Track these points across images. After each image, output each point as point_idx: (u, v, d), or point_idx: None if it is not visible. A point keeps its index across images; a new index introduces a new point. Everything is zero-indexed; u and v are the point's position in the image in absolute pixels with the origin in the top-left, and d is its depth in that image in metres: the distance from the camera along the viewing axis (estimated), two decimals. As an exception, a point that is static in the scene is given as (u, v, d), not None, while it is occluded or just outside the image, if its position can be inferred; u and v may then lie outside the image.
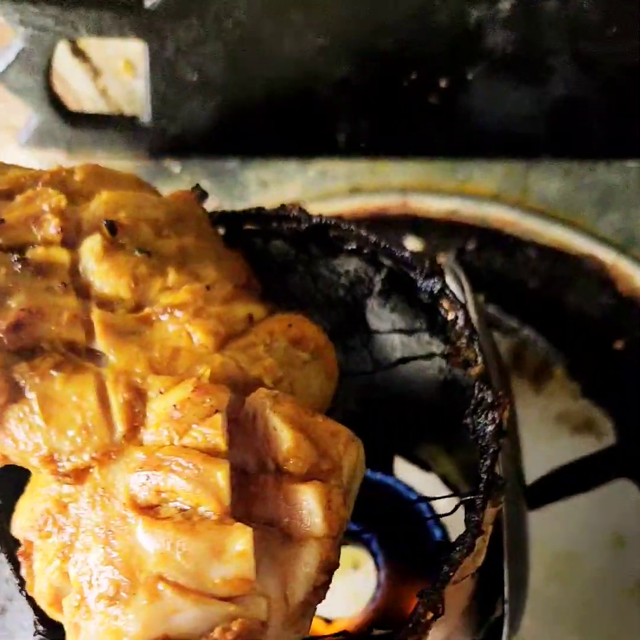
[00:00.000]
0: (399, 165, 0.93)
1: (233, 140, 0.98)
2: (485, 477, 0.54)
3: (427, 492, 0.79)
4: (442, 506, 0.79)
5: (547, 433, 1.15)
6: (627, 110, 0.88)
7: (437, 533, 0.77)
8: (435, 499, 0.69)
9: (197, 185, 0.64)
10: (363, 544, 0.82)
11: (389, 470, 0.83)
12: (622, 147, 0.91)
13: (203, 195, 0.64)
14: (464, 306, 0.58)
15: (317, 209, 0.91)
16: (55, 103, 0.93)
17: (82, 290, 0.57)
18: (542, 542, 1.13)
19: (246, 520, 0.50)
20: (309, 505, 0.51)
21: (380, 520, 0.80)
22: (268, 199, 0.95)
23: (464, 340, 0.58)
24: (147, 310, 0.56)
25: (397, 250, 0.60)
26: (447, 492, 0.82)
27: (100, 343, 0.55)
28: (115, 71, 0.97)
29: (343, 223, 0.61)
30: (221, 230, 0.65)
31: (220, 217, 0.64)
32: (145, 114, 0.95)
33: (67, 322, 0.55)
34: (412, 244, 0.88)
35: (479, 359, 0.57)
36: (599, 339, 0.82)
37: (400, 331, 0.63)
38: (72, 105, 0.97)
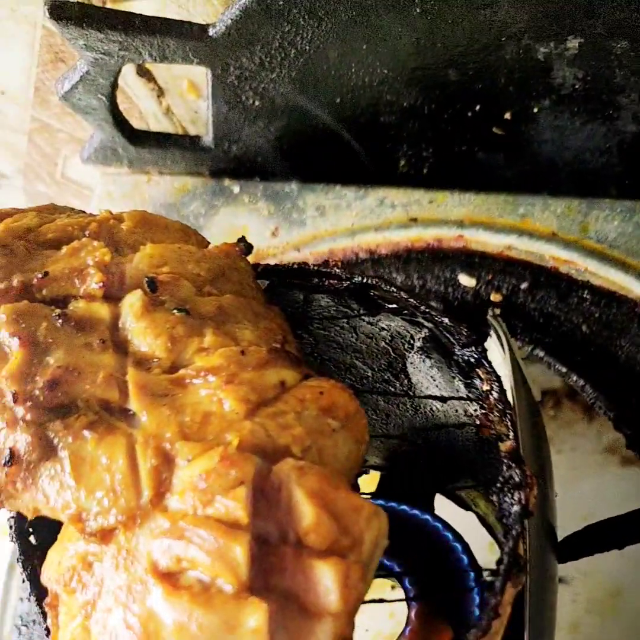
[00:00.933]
0: (458, 197, 0.92)
1: (293, 164, 0.98)
2: (506, 558, 0.53)
3: (463, 531, 0.79)
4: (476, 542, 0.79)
5: (598, 463, 1.14)
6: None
7: (474, 585, 0.77)
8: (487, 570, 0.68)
9: (243, 237, 0.64)
10: (396, 579, 0.83)
11: (428, 506, 0.83)
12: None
13: (248, 248, 0.64)
14: (499, 379, 0.58)
15: (373, 238, 0.92)
16: (119, 122, 0.94)
17: (121, 346, 0.58)
18: (586, 574, 1.13)
19: (264, 590, 0.51)
20: (327, 582, 0.51)
21: (415, 557, 0.80)
22: (325, 225, 0.95)
23: (497, 414, 0.57)
24: (181, 371, 0.57)
25: (436, 314, 0.60)
26: (484, 532, 0.82)
27: (134, 403, 0.56)
28: (180, 91, 0.98)
29: (384, 284, 0.61)
30: (263, 283, 0.65)
31: (264, 271, 0.64)
32: (207, 135, 0.96)
33: (102, 382, 0.56)
34: (465, 280, 0.87)
35: (511, 434, 0.56)
36: (652, 389, 0.80)
37: (433, 397, 0.62)
38: (137, 122, 0.98)
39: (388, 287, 0.61)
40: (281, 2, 0.79)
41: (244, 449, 0.53)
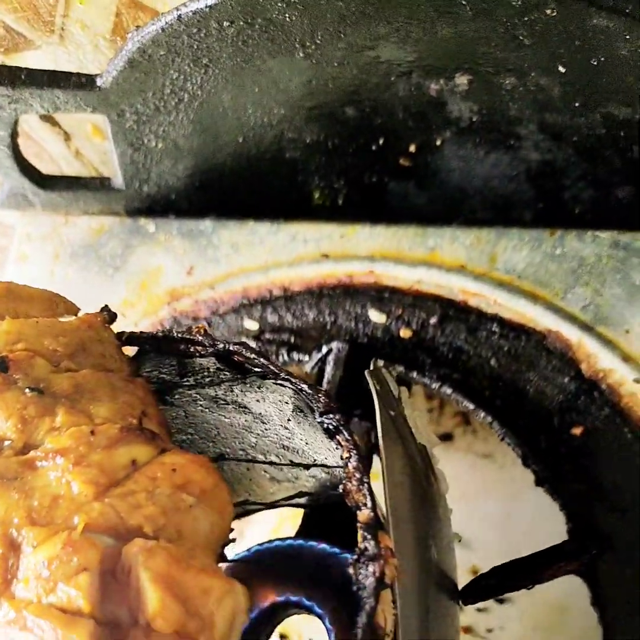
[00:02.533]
0: (369, 231, 0.91)
1: (207, 201, 0.97)
2: (361, 633, 0.53)
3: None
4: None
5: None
6: (599, 180, 0.84)
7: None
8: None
9: (106, 306, 0.64)
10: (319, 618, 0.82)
11: (350, 544, 0.82)
12: (597, 215, 0.87)
13: (111, 317, 0.63)
14: (357, 447, 0.57)
15: (287, 274, 0.91)
16: (25, 169, 0.94)
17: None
18: (532, 592, 1.12)
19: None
20: (175, 669, 0.50)
21: (333, 595, 0.79)
22: (239, 261, 0.95)
23: (354, 483, 0.57)
24: (31, 453, 0.57)
25: (296, 381, 0.59)
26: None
27: (-17, 488, 0.56)
28: (85, 134, 0.97)
29: (246, 350, 0.61)
30: (133, 349, 0.65)
31: (129, 339, 0.63)
32: (117, 176, 0.95)
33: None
34: (375, 315, 0.87)
35: (369, 504, 0.56)
36: (557, 424, 0.80)
37: (295, 465, 0.62)
38: (49, 166, 0.98)
39: (248, 353, 0.60)
40: (162, 52, 0.78)
41: (94, 532, 0.53)
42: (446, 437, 1.23)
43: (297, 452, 0.70)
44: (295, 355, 0.90)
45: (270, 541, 0.78)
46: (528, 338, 0.83)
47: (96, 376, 0.60)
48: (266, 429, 0.71)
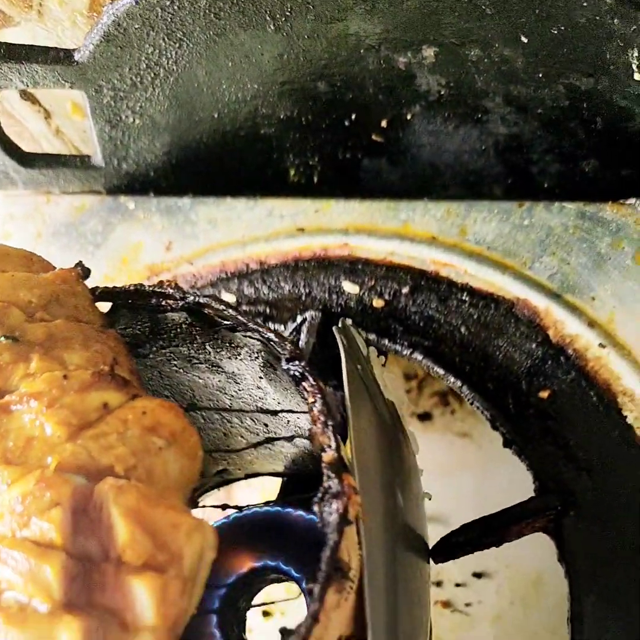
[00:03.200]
0: (343, 205, 0.93)
1: (184, 178, 0.99)
2: (324, 566, 0.55)
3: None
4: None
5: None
6: (565, 153, 0.87)
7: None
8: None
9: (80, 262, 0.66)
10: (296, 583, 0.84)
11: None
12: (564, 188, 0.89)
13: (86, 272, 0.65)
14: (322, 391, 0.59)
15: (263, 248, 0.93)
16: (6, 146, 0.96)
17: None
18: (509, 566, 1.14)
19: (87, 607, 0.52)
20: (142, 598, 0.52)
21: (310, 560, 0.81)
22: (217, 237, 0.97)
23: (319, 426, 0.58)
24: (6, 397, 0.59)
25: (263, 331, 0.61)
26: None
27: (-41, 431, 0.58)
28: (65, 113, 0.99)
29: (215, 302, 0.63)
30: (107, 305, 0.67)
31: (102, 294, 0.65)
32: (96, 154, 0.97)
33: None
34: (349, 286, 0.89)
35: (333, 445, 0.58)
36: (525, 388, 0.82)
37: (264, 411, 0.64)
38: (30, 144, 1.00)
39: (218, 304, 0.62)
40: (137, 26, 0.80)
41: (66, 471, 0.55)
42: (425, 417, 1.25)
43: (271, 414, 0.72)
44: (271, 326, 0.92)
45: (248, 507, 0.79)
46: (497, 306, 0.85)
47: (69, 326, 0.61)
48: (240, 390, 0.73)
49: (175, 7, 0.78)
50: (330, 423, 0.58)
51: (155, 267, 0.98)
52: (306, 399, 0.60)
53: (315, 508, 0.57)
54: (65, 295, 0.63)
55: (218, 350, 0.68)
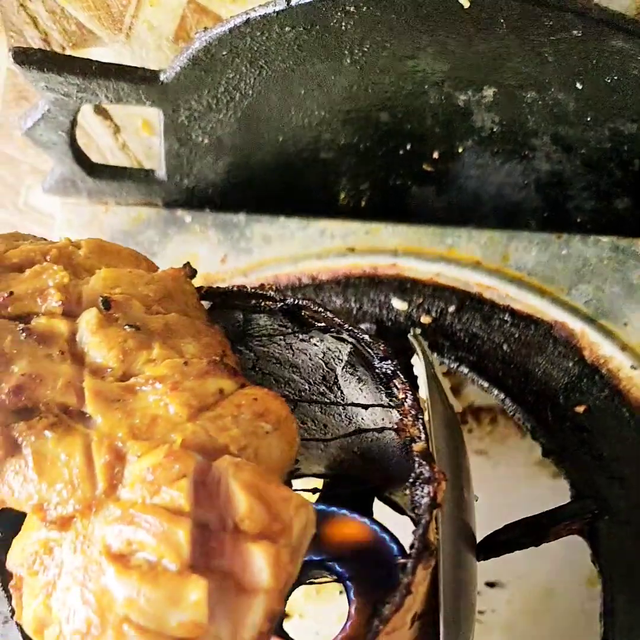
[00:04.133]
0: (392, 228, 1.00)
1: (241, 196, 1.06)
2: (417, 543, 0.61)
3: (399, 533, 0.86)
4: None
5: (529, 475, 1.23)
6: (601, 191, 0.95)
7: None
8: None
9: (188, 263, 0.72)
10: (339, 579, 0.90)
11: (367, 510, 0.90)
12: (597, 223, 0.97)
13: (193, 272, 0.71)
14: (412, 388, 0.66)
15: (315, 265, 1.00)
16: (78, 156, 1.02)
17: (78, 357, 0.66)
18: (520, 577, 1.21)
19: (206, 571, 0.58)
20: (260, 563, 0.58)
21: (354, 557, 0.87)
22: (270, 252, 1.03)
23: (410, 419, 0.65)
24: (132, 380, 0.65)
25: (358, 332, 0.68)
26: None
27: (89, 407, 0.63)
28: (134, 129, 1.05)
29: (313, 304, 0.69)
30: (207, 304, 0.73)
31: (207, 293, 0.72)
32: (160, 169, 1.03)
33: (62, 388, 0.63)
34: (398, 303, 0.95)
35: (422, 436, 0.64)
36: (562, 402, 0.89)
37: (357, 405, 0.70)
38: (95, 156, 1.06)
39: (316, 307, 0.69)
40: (224, 53, 0.87)
41: (187, 448, 0.61)
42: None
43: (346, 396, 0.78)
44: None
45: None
46: (536, 327, 0.93)
47: (182, 319, 0.68)
48: (322, 376, 0.79)
49: (264, 38, 0.85)
50: (420, 417, 0.65)
51: (210, 277, 1.05)
52: (396, 395, 0.67)
53: (407, 491, 0.63)
54: (175, 292, 0.69)
55: (303, 348, 0.74)
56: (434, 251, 0.99)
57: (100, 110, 1.03)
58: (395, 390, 0.66)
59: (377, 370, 0.68)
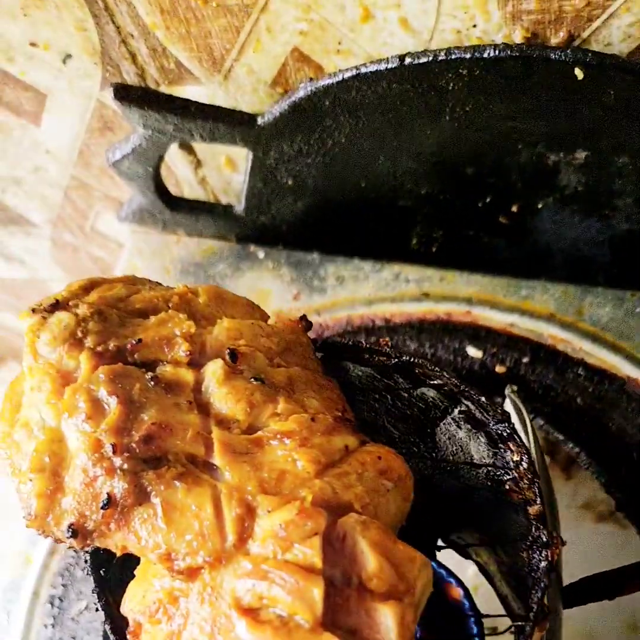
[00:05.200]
0: (467, 277, 1.02)
1: (316, 236, 1.08)
2: (535, 607, 0.63)
3: (463, 577, 0.88)
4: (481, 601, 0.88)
5: (574, 517, 1.25)
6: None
7: (475, 629, 0.85)
8: (488, 616, 0.76)
9: (304, 315, 0.73)
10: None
11: (431, 553, 0.91)
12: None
13: (308, 325, 0.73)
14: (528, 451, 0.67)
15: (388, 308, 1.01)
16: (160, 189, 1.03)
17: (203, 407, 0.67)
18: (565, 620, 1.22)
19: (331, 626, 0.59)
20: (387, 622, 0.60)
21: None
22: (343, 293, 1.05)
23: (526, 482, 0.67)
24: (259, 433, 0.66)
25: (474, 393, 0.69)
26: (485, 580, 0.91)
27: (218, 459, 0.64)
28: (216, 165, 1.07)
29: (429, 364, 0.71)
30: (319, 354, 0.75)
31: (322, 345, 0.73)
32: (239, 205, 1.05)
33: (191, 439, 0.64)
34: (473, 351, 0.97)
35: (538, 500, 0.66)
36: (637, 458, 0.91)
37: (468, 464, 0.72)
38: (173, 188, 1.07)
39: (432, 367, 0.70)
40: (327, 102, 0.89)
41: (315, 504, 0.62)
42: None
43: (438, 448, 0.80)
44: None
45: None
46: (610, 382, 0.95)
47: (305, 373, 0.69)
48: (416, 427, 0.80)
49: (370, 92, 0.86)
50: (536, 480, 0.66)
51: (282, 314, 1.06)
52: (510, 457, 0.68)
53: (523, 554, 0.65)
54: (294, 345, 0.71)
55: (406, 403, 0.76)
56: (508, 301, 1.01)
57: (184, 145, 1.05)
58: (509, 452, 0.68)
59: (489, 431, 0.69)
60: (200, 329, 0.70)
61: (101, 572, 0.71)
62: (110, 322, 0.69)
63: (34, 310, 0.68)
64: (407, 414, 0.79)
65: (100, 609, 0.67)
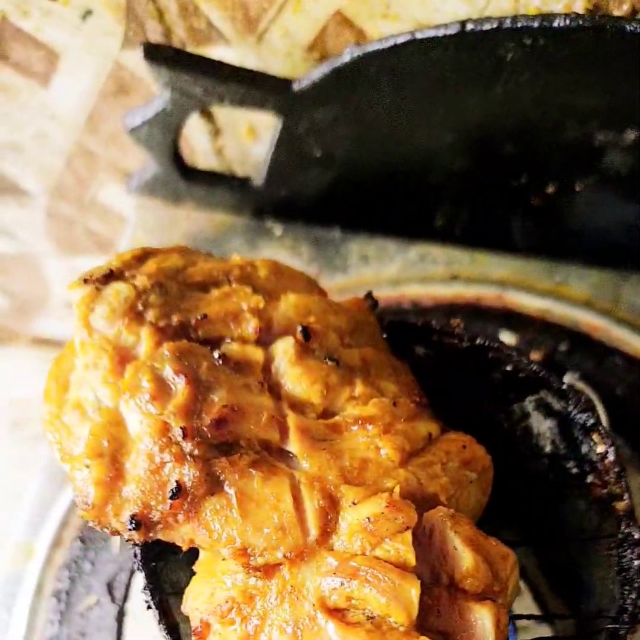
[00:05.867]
0: (498, 258, 0.98)
1: (338, 211, 1.03)
2: (630, 608, 0.59)
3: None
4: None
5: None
6: None
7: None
8: (522, 616, 0.72)
9: (370, 292, 0.68)
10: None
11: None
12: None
13: (375, 303, 0.68)
14: (614, 443, 0.63)
15: (416, 291, 0.97)
16: (177, 159, 0.97)
17: (273, 389, 0.61)
18: None
19: (422, 629, 0.55)
20: (485, 625, 0.55)
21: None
22: (368, 272, 1.00)
23: (612, 476, 0.63)
24: (337, 418, 0.61)
25: (554, 381, 0.65)
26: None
27: (294, 446, 0.59)
28: (237, 134, 1.01)
29: (505, 347, 0.66)
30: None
31: (389, 325, 0.68)
32: (259, 177, 0.99)
33: (265, 423, 0.59)
34: (507, 337, 0.93)
35: (626, 494, 0.62)
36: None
37: (548, 456, 0.68)
38: (187, 158, 1.00)
39: (509, 351, 0.66)
40: (373, 69, 0.83)
41: (402, 496, 0.57)
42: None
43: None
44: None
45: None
46: (650, 372, 0.92)
47: (377, 354, 0.64)
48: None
49: (421, 59, 0.81)
50: (623, 474, 0.62)
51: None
52: (593, 448, 0.64)
53: (612, 552, 0.61)
54: (362, 324, 0.66)
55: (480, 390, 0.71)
56: (543, 286, 0.97)
57: (205, 112, 0.98)
58: (591, 443, 0.64)
59: (572, 421, 0.65)
60: (266, 305, 0.64)
61: (153, 567, 0.65)
62: (171, 295, 0.63)
63: (85, 281, 0.62)
64: (476, 400, 0.74)
65: (153, 607, 0.61)
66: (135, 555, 0.63)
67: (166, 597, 0.62)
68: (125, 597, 0.86)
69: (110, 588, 0.87)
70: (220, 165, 1.06)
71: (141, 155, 1.00)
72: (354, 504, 0.57)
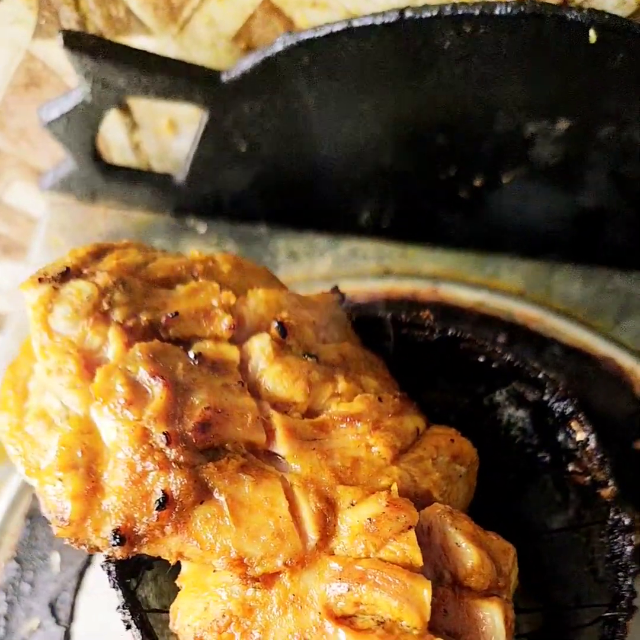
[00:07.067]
0: (429, 253, 0.97)
1: (264, 207, 1.00)
2: (628, 595, 0.58)
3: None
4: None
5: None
6: (638, 227, 0.96)
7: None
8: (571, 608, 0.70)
9: (336, 287, 0.66)
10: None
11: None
12: (620, 259, 0.98)
13: (342, 297, 0.65)
14: (594, 430, 0.63)
15: (350, 287, 0.94)
16: (95, 156, 0.92)
17: (252, 389, 0.58)
18: None
19: (430, 630, 0.52)
20: (495, 621, 0.53)
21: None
22: (299, 270, 0.97)
23: (595, 463, 0.62)
24: (323, 416, 0.57)
25: (530, 370, 0.64)
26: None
27: (283, 448, 0.56)
28: (156, 128, 0.96)
29: (477, 339, 0.65)
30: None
31: (357, 320, 0.66)
32: (180, 173, 0.95)
33: (251, 424, 0.55)
34: (444, 331, 0.92)
35: (611, 481, 0.61)
36: (619, 439, 0.88)
37: (520, 446, 0.67)
38: (102, 154, 0.95)
39: (482, 341, 0.64)
40: (306, 59, 0.80)
41: (400, 494, 0.55)
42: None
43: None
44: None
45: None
46: (587, 362, 0.92)
47: (354, 349, 0.62)
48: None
49: (355, 48, 0.79)
50: (606, 460, 0.62)
51: (229, 294, 0.97)
52: (572, 436, 0.63)
53: (603, 539, 0.60)
54: (332, 318, 0.63)
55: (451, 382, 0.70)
56: (475, 279, 0.96)
57: (122, 105, 0.93)
58: (569, 431, 0.63)
59: (551, 409, 0.64)
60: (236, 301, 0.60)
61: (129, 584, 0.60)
62: (136, 293, 0.58)
63: (40, 280, 0.57)
64: (447, 392, 0.72)
65: (133, 626, 0.57)
66: (109, 573, 0.58)
67: (146, 615, 0.57)
68: (71, 618, 0.80)
69: (53, 609, 0.81)
70: (137, 161, 1.01)
71: (53, 152, 0.95)
72: (352, 505, 0.54)
